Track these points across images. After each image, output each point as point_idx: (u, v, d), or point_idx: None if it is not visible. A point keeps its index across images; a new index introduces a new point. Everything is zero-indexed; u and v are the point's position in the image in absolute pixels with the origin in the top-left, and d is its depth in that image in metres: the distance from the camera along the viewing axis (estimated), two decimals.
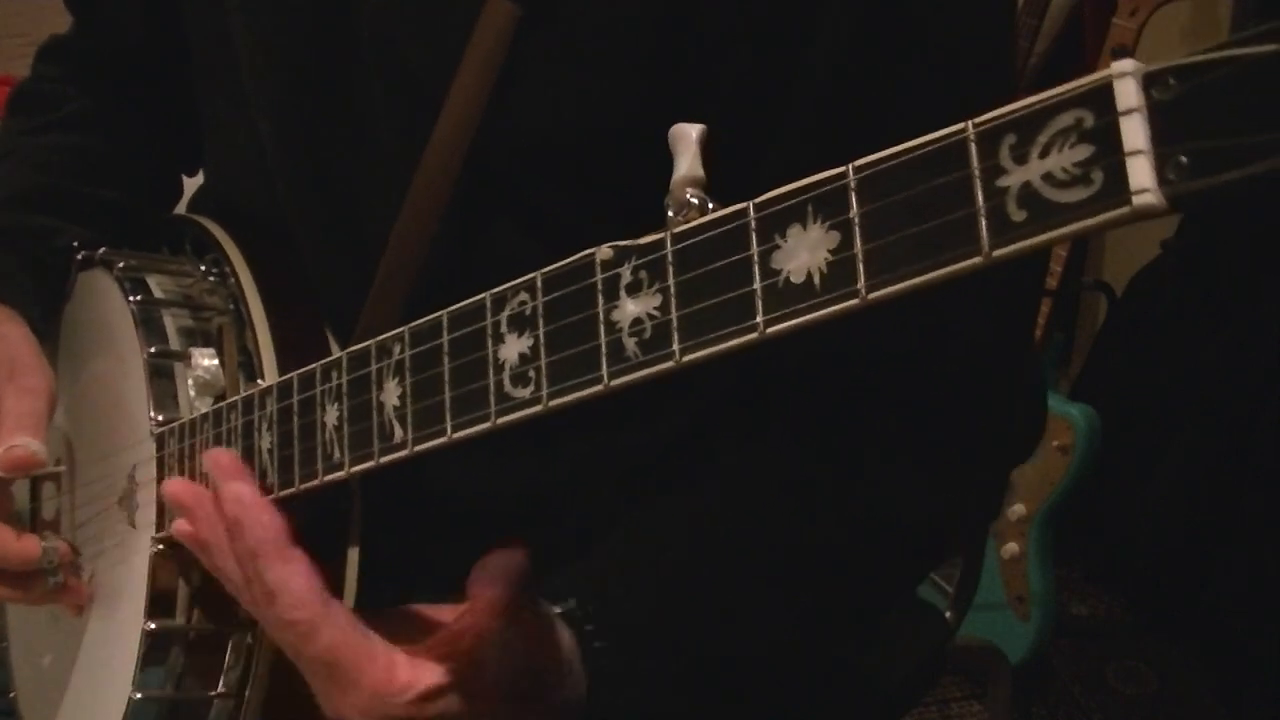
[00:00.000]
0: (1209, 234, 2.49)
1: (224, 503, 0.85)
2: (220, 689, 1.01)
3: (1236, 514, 2.50)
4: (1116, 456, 2.45)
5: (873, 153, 0.56)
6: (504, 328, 0.70)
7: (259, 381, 1.02)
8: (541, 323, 0.68)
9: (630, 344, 0.63)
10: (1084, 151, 0.48)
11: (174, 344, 1.06)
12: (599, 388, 0.65)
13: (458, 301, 0.76)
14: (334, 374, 0.84)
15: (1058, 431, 2.26)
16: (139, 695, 1.00)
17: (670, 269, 0.62)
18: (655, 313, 0.63)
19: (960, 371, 0.98)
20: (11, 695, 1.25)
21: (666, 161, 0.69)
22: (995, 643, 2.34)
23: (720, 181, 0.66)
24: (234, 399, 0.95)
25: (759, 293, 0.58)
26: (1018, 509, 2.30)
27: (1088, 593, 2.80)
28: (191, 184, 1.34)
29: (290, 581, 0.82)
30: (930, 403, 0.98)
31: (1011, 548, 2.32)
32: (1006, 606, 2.34)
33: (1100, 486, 2.36)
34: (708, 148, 0.67)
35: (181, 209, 1.30)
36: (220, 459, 0.88)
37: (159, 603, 1.00)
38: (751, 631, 0.96)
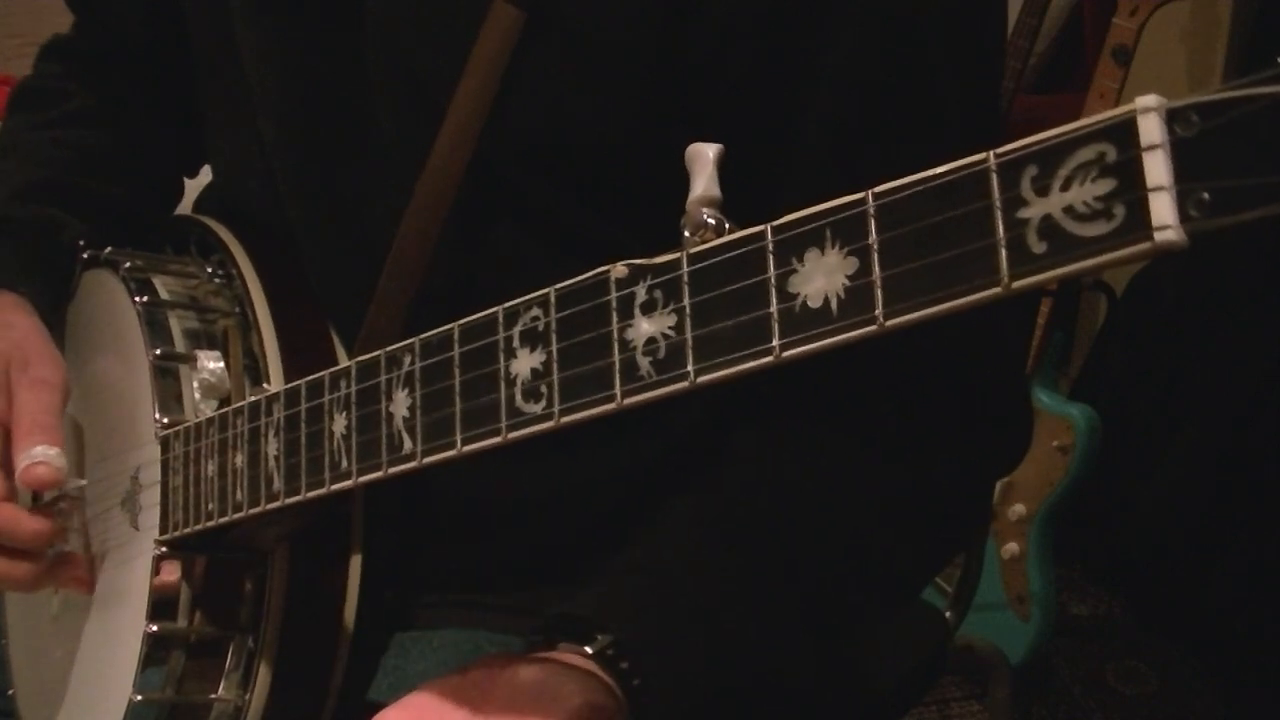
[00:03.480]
0: (1209, 234, 2.49)
1: None
2: (221, 692, 1.01)
3: (1236, 514, 2.50)
4: (1116, 456, 2.44)
5: (884, 173, 0.56)
6: (516, 342, 0.70)
7: (264, 385, 1.02)
8: (554, 339, 0.68)
9: (644, 363, 0.63)
10: (1106, 185, 0.47)
11: (179, 346, 1.06)
12: (611, 405, 0.65)
13: (461, 305, 0.76)
14: (342, 383, 0.84)
15: (1058, 431, 2.26)
16: (139, 697, 1.00)
17: (686, 289, 0.62)
18: (670, 332, 0.62)
19: (970, 357, 0.97)
20: (10, 693, 1.25)
21: (671, 165, 0.69)
22: (995, 643, 2.34)
23: (733, 197, 0.66)
24: (241, 404, 0.95)
25: (775, 316, 0.57)
26: (1018, 509, 2.30)
27: (1088, 593, 2.79)
28: (194, 184, 1.34)
29: None
30: (939, 388, 0.98)
31: (1011, 548, 2.32)
32: (1006, 606, 2.34)
33: (1100, 486, 2.36)
34: (725, 166, 0.67)
35: (186, 208, 1.29)
36: None
37: (160, 605, 1.00)
38: (789, 635, 0.95)
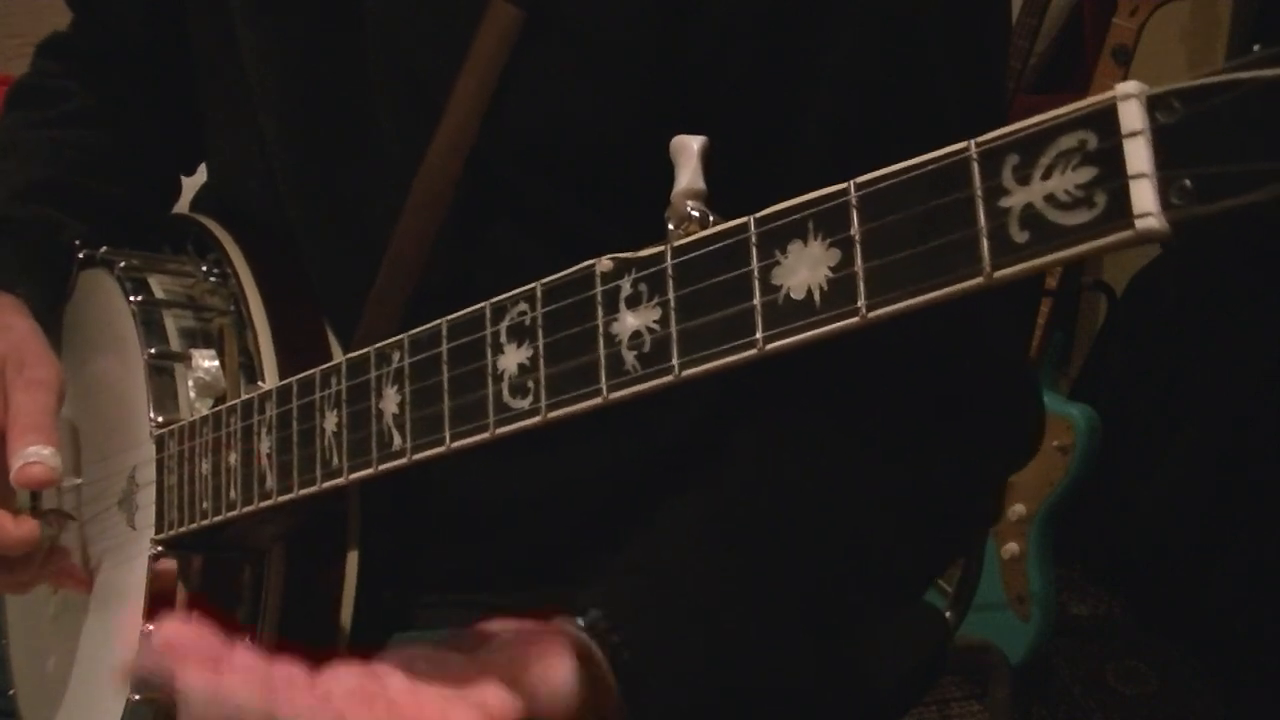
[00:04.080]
0: (1208, 234, 2.49)
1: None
2: None
3: (1236, 514, 2.50)
4: (1116, 456, 2.44)
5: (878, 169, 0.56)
6: (503, 338, 0.70)
7: (259, 383, 1.01)
8: (541, 334, 0.68)
9: (629, 357, 0.63)
10: (1087, 173, 0.47)
11: (175, 345, 1.06)
12: (598, 400, 0.65)
13: (458, 304, 0.75)
14: (333, 380, 0.84)
15: (1058, 431, 2.26)
16: (137, 697, 0.99)
17: (670, 282, 0.62)
18: (655, 326, 0.62)
19: (969, 355, 0.97)
20: (11, 693, 1.25)
21: (669, 164, 0.69)
22: (995, 643, 2.34)
23: (723, 193, 0.66)
24: (233, 402, 0.95)
25: (759, 309, 0.57)
26: (1018, 509, 2.29)
27: (1088, 593, 2.79)
28: (192, 183, 1.34)
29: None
30: (938, 387, 0.98)
31: (1011, 548, 2.32)
32: (1006, 606, 2.33)
33: (1100, 486, 2.36)
34: (710, 158, 0.67)
35: (183, 208, 1.29)
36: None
37: (158, 604, 1.00)
38: (788, 636, 0.95)
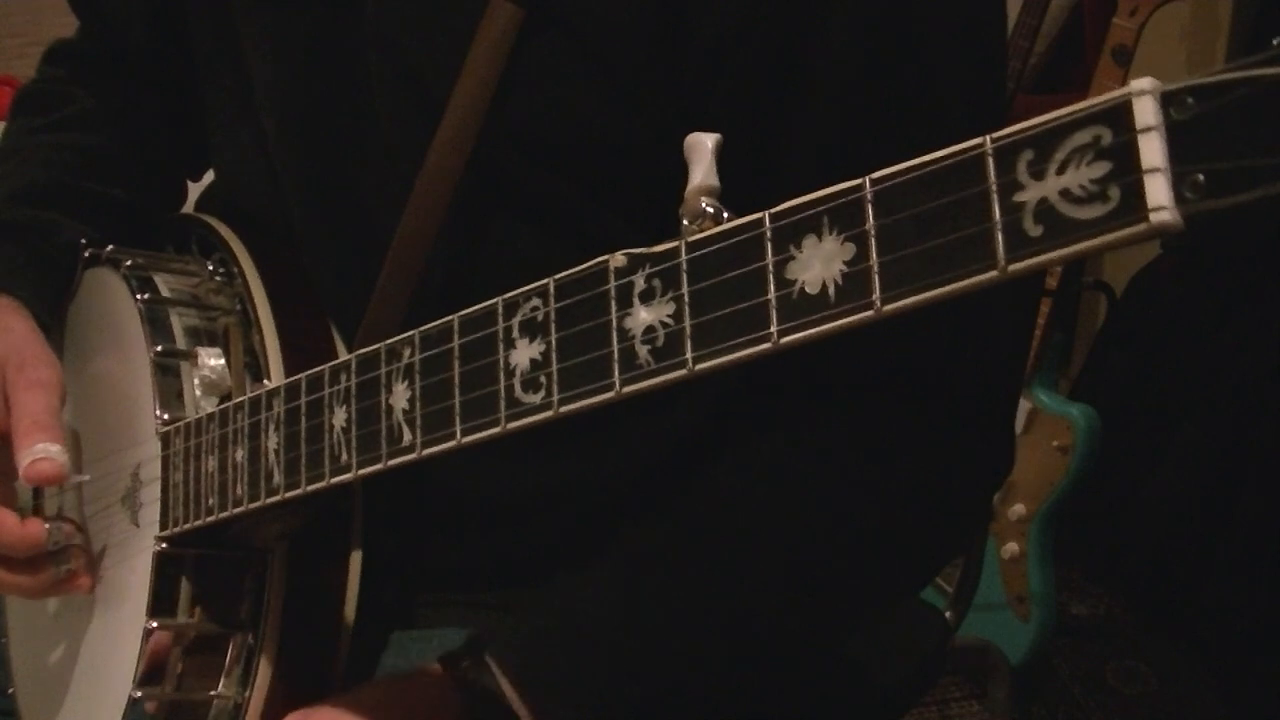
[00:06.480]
0: (1209, 234, 2.49)
1: None
2: (220, 688, 1.01)
3: (1236, 514, 2.50)
4: (1116, 456, 2.44)
5: (884, 165, 0.56)
6: (515, 333, 0.70)
7: (265, 382, 1.02)
8: (554, 329, 0.68)
9: (643, 352, 0.63)
10: (1101, 168, 0.48)
11: (180, 343, 1.06)
12: (610, 395, 0.65)
13: (461, 300, 0.76)
14: (343, 376, 0.84)
15: (1058, 431, 2.26)
16: (139, 693, 1.00)
17: (684, 277, 0.62)
18: (668, 321, 0.62)
19: (971, 357, 0.98)
20: (10, 692, 1.25)
21: (671, 161, 0.69)
22: (995, 643, 2.34)
23: (732, 189, 0.66)
24: (241, 399, 0.95)
25: (773, 303, 0.58)
26: (1018, 509, 2.29)
27: (1088, 593, 2.79)
28: (197, 185, 1.34)
29: None
30: (941, 390, 0.98)
31: (1011, 548, 2.32)
32: (1006, 606, 2.33)
33: (1100, 486, 2.36)
34: (721, 154, 0.67)
35: (188, 208, 1.29)
36: None
37: (161, 601, 1.00)
38: (767, 636, 0.97)
